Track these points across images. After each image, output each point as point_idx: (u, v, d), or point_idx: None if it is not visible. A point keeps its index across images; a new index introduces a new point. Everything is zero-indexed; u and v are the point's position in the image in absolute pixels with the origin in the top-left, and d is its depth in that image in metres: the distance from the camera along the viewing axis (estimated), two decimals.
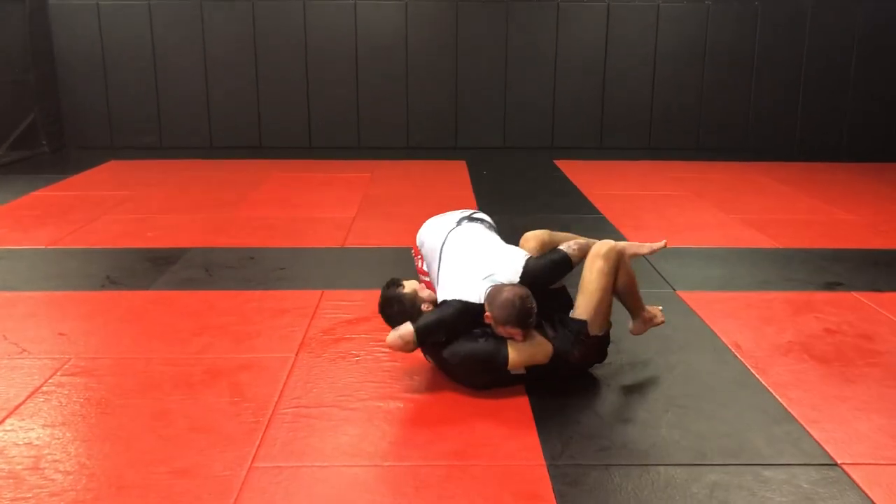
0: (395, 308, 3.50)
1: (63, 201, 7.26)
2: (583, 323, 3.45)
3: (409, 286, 3.55)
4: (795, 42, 10.35)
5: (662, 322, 3.85)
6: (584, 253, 3.55)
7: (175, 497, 2.66)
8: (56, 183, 8.09)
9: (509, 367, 3.37)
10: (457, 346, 3.38)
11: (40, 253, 5.62)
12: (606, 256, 3.48)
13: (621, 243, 3.65)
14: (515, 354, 3.36)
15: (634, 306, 3.76)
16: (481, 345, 3.37)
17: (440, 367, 3.52)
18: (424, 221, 4.03)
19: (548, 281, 3.56)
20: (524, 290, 3.33)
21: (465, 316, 3.39)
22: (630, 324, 3.83)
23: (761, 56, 10.39)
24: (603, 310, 3.49)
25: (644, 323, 3.80)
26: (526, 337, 3.37)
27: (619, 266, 3.54)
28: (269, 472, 2.82)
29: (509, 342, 3.37)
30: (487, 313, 3.35)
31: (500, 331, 3.37)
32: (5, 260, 5.41)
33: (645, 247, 3.78)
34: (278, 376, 3.57)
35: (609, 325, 3.57)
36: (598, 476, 2.81)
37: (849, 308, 4.51)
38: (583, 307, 3.48)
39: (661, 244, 3.80)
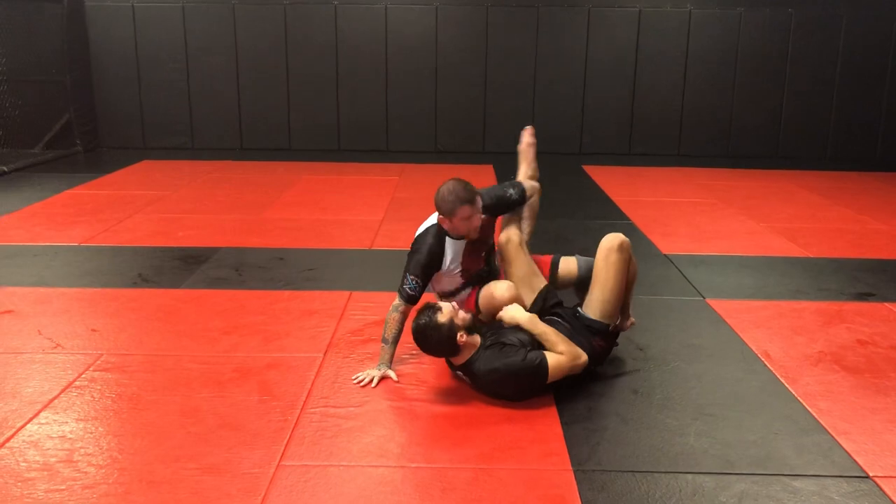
0: (433, 338, 3.32)
1: (96, 200, 7.37)
2: (604, 325, 3.58)
3: (446, 312, 3.34)
4: (828, 49, 10.24)
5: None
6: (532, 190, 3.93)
7: (204, 493, 2.69)
8: (89, 182, 8.22)
9: (549, 379, 3.34)
10: (494, 363, 3.32)
11: (74, 250, 5.71)
12: (621, 249, 3.58)
13: (626, 241, 3.70)
14: (555, 367, 3.34)
15: (628, 301, 3.86)
16: (519, 359, 3.32)
17: (474, 384, 3.42)
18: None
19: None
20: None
21: None
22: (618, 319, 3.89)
23: (793, 63, 10.29)
24: (618, 302, 3.61)
25: (626, 319, 3.90)
26: (474, 214, 3.57)
27: (629, 258, 3.65)
28: (296, 470, 2.84)
29: (546, 354, 3.34)
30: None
31: (458, 224, 3.57)
32: (40, 256, 5.51)
33: None
34: (306, 376, 3.60)
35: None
36: (625, 482, 2.80)
37: (881, 319, 4.45)
38: (599, 300, 3.57)
39: None
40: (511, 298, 3.65)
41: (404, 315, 3.62)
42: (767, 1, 10.17)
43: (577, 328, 3.56)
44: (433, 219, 3.77)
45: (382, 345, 3.63)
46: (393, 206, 7.20)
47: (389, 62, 10.35)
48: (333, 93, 10.45)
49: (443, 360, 3.58)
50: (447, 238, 3.72)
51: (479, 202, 3.64)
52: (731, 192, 8.12)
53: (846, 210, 7.37)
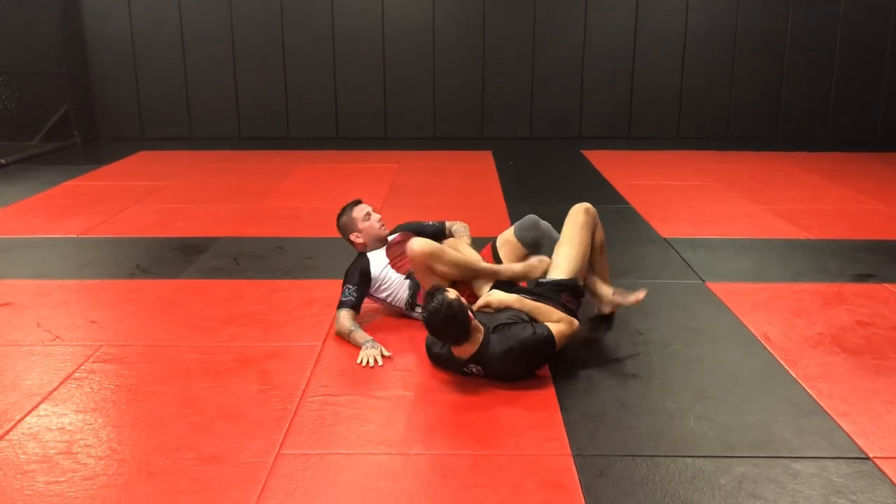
0: (448, 316, 3.24)
1: (94, 191, 7.36)
2: (574, 280, 3.76)
3: (452, 291, 3.35)
4: (827, 30, 10.16)
5: (634, 302, 3.88)
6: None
7: (204, 483, 2.70)
8: (87, 173, 8.20)
9: (556, 347, 3.42)
10: (508, 342, 3.32)
11: (72, 242, 5.70)
12: (587, 212, 3.90)
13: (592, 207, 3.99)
14: (559, 334, 3.42)
15: (602, 267, 4.05)
16: (529, 333, 3.36)
17: (488, 371, 3.38)
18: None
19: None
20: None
21: None
22: (599, 305, 4.05)
23: (793, 43, 10.23)
24: (584, 259, 3.83)
25: (619, 295, 3.93)
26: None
27: (595, 223, 3.94)
28: (296, 459, 2.84)
29: (548, 325, 3.41)
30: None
31: (366, 228, 4.12)
32: (38, 249, 5.50)
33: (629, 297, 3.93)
34: (306, 365, 3.59)
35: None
36: (625, 467, 2.80)
37: (881, 300, 4.44)
38: (566, 256, 3.77)
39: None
40: (424, 248, 3.73)
41: (346, 313, 3.87)
42: None
43: (545, 293, 3.67)
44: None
45: (351, 335, 3.78)
46: (392, 194, 7.18)
47: (386, 47, 10.30)
48: (331, 80, 10.40)
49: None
50: (368, 254, 4.11)
51: (362, 206, 4.21)
52: (731, 174, 8.09)
53: (846, 191, 7.34)
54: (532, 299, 3.57)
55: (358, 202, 4.25)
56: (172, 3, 10.18)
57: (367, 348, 3.68)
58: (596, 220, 3.95)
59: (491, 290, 3.71)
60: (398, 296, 4.06)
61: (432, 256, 3.72)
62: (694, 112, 10.47)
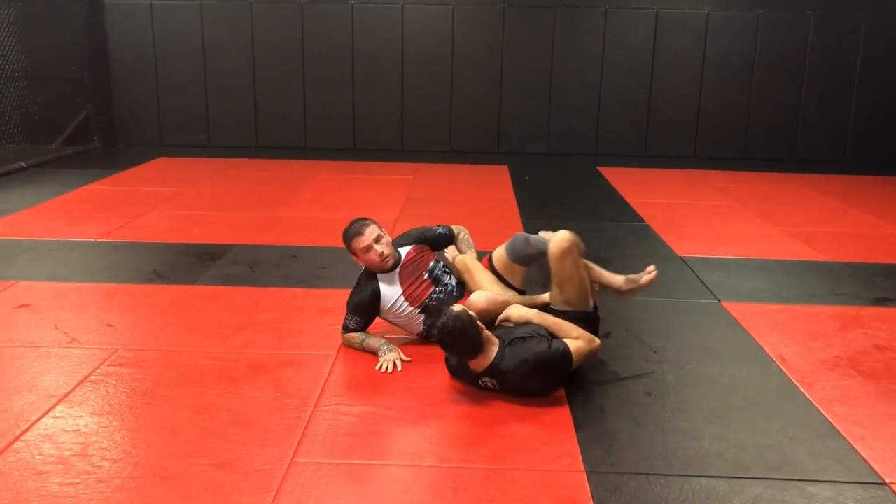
0: (459, 332, 3.25)
1: (113, 196, 7.42)
2: (582, 311, 3.69)
3: (458, 307, 3.37)
4: (847, 52, 10.15)
5: (647, 282, 3.85)
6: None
7: (216, 489, 2.70)
8: (106, 178, 8.27)
9: (573, 365, 3.40)
10: (522, 355, 3.32)
11: (90, 245, 5.75)
12: (570, 251, 3.65)
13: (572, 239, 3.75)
14: (577, 351, 3.39)
15: (598, 277, 3.88)
16: (545, 348, 3.35)
17: (502, 385, 3.38)
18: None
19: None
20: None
21: None
22: (618, 294, 3.92)
23: (812, 66, 10.22)
24: (584, 289, 3.71)
25: (630, 282, 3.87)
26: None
27: (580, 251, 3.76)
28: (309, 467, 2.84)
29: (566, 341, 3.40)
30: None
31: (365, 258, 3.79)
32: (57, 251, 5.55)
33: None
34: (320, 373, 3.60)
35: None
36: (638, 485, 2.79)
37: None
38: (564, 300, 3.68)
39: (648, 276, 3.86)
40: (486, 301, 3.69)
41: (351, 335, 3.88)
42: (785, 3, 10.10)
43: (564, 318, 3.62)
44: None
45: (365, 343, 3.80)
46: (408, 206, 7.20)
47: (405, 62, 10.36)
48: (349, 92, 10.46)
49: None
50: (377, 275, 3.89)
51: (371, 230, 3.81)
52: (748, 194, 8.07)
53: (863, 214, 7.30)
54: (556, 317, 3.57)
55: (361, 228, 3.82)
56: (195, 14, 10.28)
57: (385, 353, 3.69)
58: (580, 250, 3.72)
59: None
60: (410, 327, 3.97)
61: (492, 307, 3.69)
62: (711, 131, 10.46)
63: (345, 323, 3.90)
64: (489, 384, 3.40)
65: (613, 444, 3.06)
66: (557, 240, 3.68)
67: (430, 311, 3.63)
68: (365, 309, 3.86)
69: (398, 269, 3.90)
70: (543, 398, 3.38)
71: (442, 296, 3.89)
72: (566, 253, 3.65)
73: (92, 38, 9.95)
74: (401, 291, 3.87)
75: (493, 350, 3.35)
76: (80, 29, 9.81)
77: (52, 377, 3.52)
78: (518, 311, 3.57)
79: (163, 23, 10.31)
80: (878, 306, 4.73)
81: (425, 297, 3.87)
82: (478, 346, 3.31)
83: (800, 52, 10.19)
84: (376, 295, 3.85)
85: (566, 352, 3.37)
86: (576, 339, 3.43)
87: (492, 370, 3.35)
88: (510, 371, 3.33)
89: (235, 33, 10.32)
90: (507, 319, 3.57)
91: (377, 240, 3.81)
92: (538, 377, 3.36)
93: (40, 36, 9.79)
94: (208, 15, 10.29)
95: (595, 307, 3.80)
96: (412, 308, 3.87)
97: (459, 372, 3.49)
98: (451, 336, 3.26)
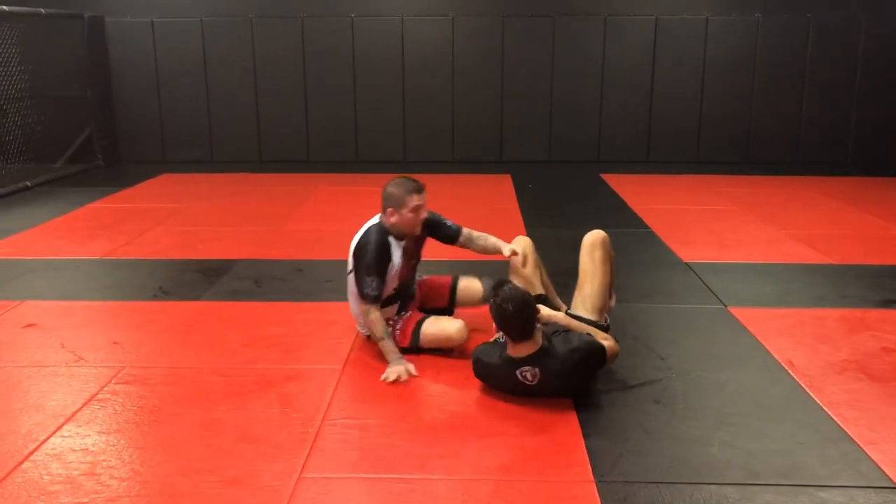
0: (519, 303, 3.28)
1: (117, 213, 7.44)
2: (601, 324, 3.79)
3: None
4: (847, 54, 10.15)
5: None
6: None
7: None
8: (110, 195, 8.29)
9: (606, 363, 3.48)
10: (573, 342, 3.37)
11: (95, 263, 5.76)
12: (603, 245, 3.88)
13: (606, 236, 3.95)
14: (609, 349, 3.48)
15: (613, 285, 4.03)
16: (591, 339, 3.43)
17: (545, 374, 3.34)
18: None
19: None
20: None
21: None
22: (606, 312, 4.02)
23: (812, 69, 10.22)
24: (606, 293, 3.88)
25: (610, 299, 4.03)
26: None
27: (609, 250, 3.93)
28: (317, 482, 2.84)
29: (598, 337, 3.51)
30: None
31: (407, 216, 3.76)
32: (63, 270, 5.56)
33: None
34: (326, 387, 3.60)
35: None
36: (648, 494, 2.77)
37: None
38: (590, 294, 3.83)
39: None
40: (461, 339, 3.84)
41: (379, 314, 3.80)
42: (785, 7, 10.11)
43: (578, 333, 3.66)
44: (372, 221, 3.90)
45: (382, 343, 3.76)
46: None
47: (406, 73, 10.38)
48: (351, 104, 10.49)
49: (468, 371, 3.58)
50: (390, 239, 3.83)
51: (421, 195, 3.79)
52: (751, 198, 8.06)
53: (867, 216, 7.29)
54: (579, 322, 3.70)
55: (421, 187, 3.81)
56: (195, 30, 10.33)
57: (394, 364, 3.69)
58: (609, 249, 3.93)
59: None
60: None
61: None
62: (713, 136, 10.45)
63: (364, 291, 3.76)
64: (528, 375, 3.36)
65: (622, 452, 3.05)
66: (592, 232, 3.93)
67: (494, 283, 3.58)
68: (379, 262, 3.75)
69: (406, 242, 3.91)
70: (551, 408, 3.37)
71: (411, 287, 4.06)
72: (596, 245, 3.86)
73: (93, 57, 10.00)
74: (400, 263, 3.89)
75: (539, 338, 3.38)
76: (82, 47, 9.86)
77: (59, 396, 3.52)
78: (547, 312, 3.62)
79: (164, 39, 10.36)
80: (885, 308, 4.71)
81: (405, 278, 3.96)
82: (532, 324, 3.33)
83: (800, 54, 10.19)
84: (386, 249, 3.79)
85: (602, 348, 3.45)
86: (604, 340, 3.52)
87: (538, 357, 3.34)
88: (560, 357, 3.33)
89: (236, 48, 10.36)
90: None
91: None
92: (584, 368, 3.40)
93: (42, 55, 9.85)
94: (209, 31, 10.34)
95: (607, 322, 3.90)
96: (392, 286, 3.91)
97: (494, 370, 3.45)
98: (514, 304, 3.27)
